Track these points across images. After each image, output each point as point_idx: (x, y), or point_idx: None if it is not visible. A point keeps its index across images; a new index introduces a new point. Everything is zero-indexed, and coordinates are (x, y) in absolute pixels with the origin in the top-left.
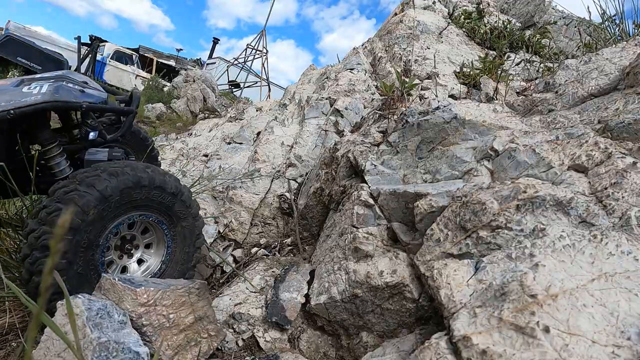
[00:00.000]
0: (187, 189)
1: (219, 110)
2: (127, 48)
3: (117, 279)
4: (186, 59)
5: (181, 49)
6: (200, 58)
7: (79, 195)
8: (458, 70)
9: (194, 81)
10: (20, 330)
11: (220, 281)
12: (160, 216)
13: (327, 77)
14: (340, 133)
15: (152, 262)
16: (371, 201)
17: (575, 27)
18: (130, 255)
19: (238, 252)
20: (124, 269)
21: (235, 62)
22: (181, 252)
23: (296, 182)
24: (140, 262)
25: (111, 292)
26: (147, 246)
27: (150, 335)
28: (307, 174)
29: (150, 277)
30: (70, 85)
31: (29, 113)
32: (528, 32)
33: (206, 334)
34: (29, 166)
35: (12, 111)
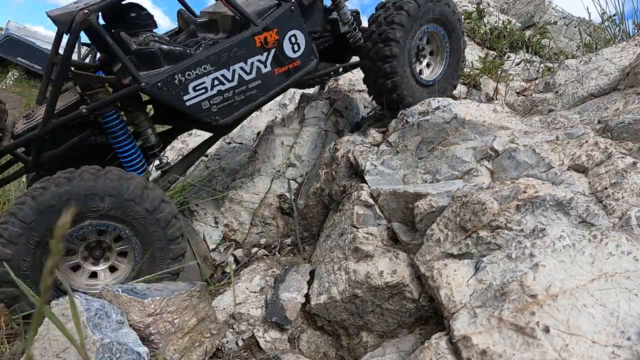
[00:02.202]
0: None
1: None
2: None
3: (120, 291)
4: None
5: None
6: None
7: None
8: None
9: None
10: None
11: (222, 282)
12: None
13: None
14: (340, 133)
15: None
16: (371, 201)
17: (575, 27)
18: None
19: (238, 252)
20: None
21: None
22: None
23: (296, 182)
24: None
25: (114, 304)
26: None
27: (157, 342)
28: (307, 174)
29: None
30: None
31: None
32: (528, 32)
33: (209, 334)
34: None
35: None
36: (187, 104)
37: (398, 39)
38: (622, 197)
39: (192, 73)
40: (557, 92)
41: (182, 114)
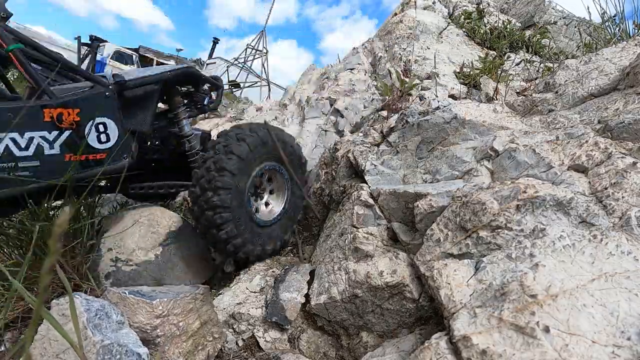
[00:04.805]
0: None
1: (219, 110)
2: (127, 48)
3: (127, 293)
4: (186, 58)
5: (181, 49)
6: (200, 58)
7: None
8: (458, 70)
9: None
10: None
11: (222, 282)
12: None
13: (327, 77)
14: (340, 133)
15: None
16: (371, 201)
17: (575, 27)
18: None
19: None
20: None
21: (236, 62)
22: None
23: None
24: None
25: (120, 306)
26: None
27: (162, 345)
28: (307, 174)
29: None
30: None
31: (179, 74)
32: (528, 32)
33: (211, 337)
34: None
35: (168, 73)
36: None
37: (230, 185)
38: (622, 197)
39: None
40: (557, 92)
41: None
